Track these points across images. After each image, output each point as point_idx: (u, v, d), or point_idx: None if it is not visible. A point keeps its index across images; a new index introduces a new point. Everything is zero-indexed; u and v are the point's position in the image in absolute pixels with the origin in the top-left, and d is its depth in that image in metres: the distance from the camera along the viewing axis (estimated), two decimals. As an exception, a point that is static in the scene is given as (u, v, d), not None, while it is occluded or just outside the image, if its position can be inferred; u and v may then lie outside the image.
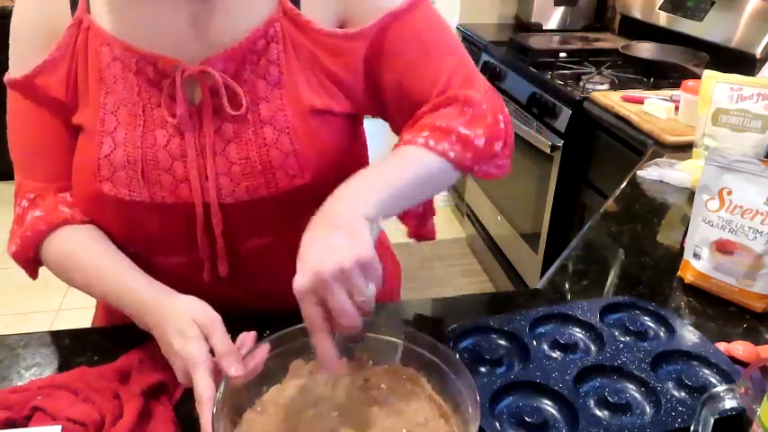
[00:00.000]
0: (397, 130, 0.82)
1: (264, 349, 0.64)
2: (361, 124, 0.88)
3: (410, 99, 0.79)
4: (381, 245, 0.99)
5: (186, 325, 0.64)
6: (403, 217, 0.82)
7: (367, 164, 0.89)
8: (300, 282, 0.57)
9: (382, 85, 0.79)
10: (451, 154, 0.73)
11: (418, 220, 0.84)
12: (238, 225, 0.78)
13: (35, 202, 0.79)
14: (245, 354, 0.64)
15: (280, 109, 0.74)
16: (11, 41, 0.77)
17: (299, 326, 0.65)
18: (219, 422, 0.58)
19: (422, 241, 0.86)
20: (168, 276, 0.74)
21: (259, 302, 0.83)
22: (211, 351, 0.63)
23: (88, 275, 0.76)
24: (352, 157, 0.83)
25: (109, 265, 0.75)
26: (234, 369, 0.61)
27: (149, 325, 0.69)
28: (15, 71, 0.77)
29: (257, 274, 0.83)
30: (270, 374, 0.66)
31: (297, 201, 0.76)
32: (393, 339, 0.68)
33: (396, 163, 0.72)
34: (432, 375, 0.67)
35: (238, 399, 0.63)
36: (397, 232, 0.88)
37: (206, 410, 0.59)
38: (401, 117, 0.81)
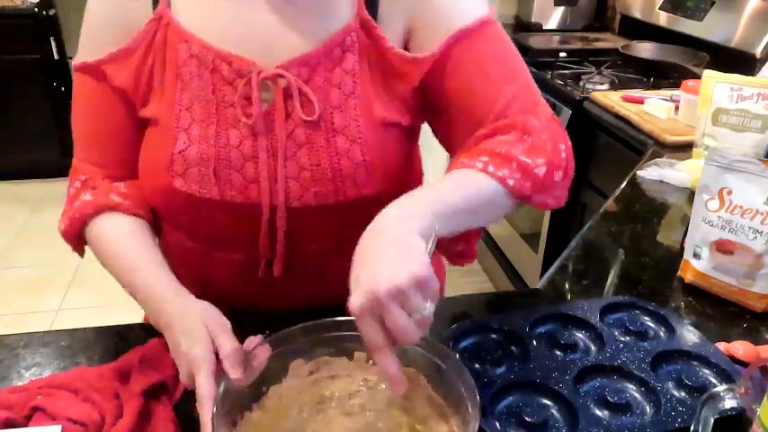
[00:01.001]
0: (449, 147, 0.82)
1: (266, 350, 0.65)
2: (417, 141, 0.88)
3: (467, 118, 0.78)
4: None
5: (195, 327, 0.66)
6: (451, 240, 0.79)
7: (421, 180, 0.89)
8: (356, 302, 0.56)
9: (441, 102, 0.79)
10: (510, 181, 0.71)
11: (465, 244, 0.81)
12: (301, 229, 0.78)
13: (86, 185, 0.81)
14: (246, 354, 0.64)
15: (353, 119, 0.75)
16: (83, 28, 0.79)
17: (300, 326, 0.66)
18: (219, 421, 0.58)
19: (462, 265, 0.83)
20: (223, 271, 0.77)
21: (305, 305, 0.82)
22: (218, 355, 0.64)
23: (120, 266, 0.78)
24: (411, 172, 0.84)
25: (140, 261, 0.77)
26: (234, 372, 0.62)
27: (162, 326, 0.71)
28: (85, 56, 0.78)
29: (309, 277, 0.84)
30: (270, 374, 0.66)
31: (361, 209, 0.74)
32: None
33: (453, 183, 0.71)
34: (432, 375, 0.67)
35: (239, 398, 0.63)
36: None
37: (206, 410, 0.60)
38: (457, 138, 0.80)
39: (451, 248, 0.81)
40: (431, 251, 0.61)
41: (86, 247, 0.86)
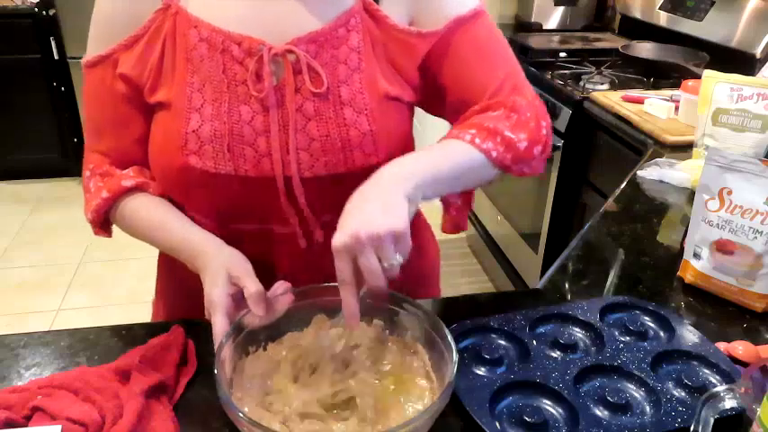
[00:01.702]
0: (449, 120, 0.90)
1: (288, 297, 0.73)
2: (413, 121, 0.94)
3: (463, 99, 0.85)
4: (425, 226, 1.09)
5: (218, 273, 0.74)
6: (447, 208, 0.90)
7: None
8: (339, 239, 0.64)
9: (440, 82, 0.86)
10: (494, 153, 0.79)
11: (459, 212, 0.91)
12: (313, 200, 0.83)
13: (94, 172, 0.87)
14: (271, 297, 0.73)
15: (359, 92, 0.81)
16: (92, 24, 0.83)
17: (329, 284, 0.73)
18: (227, 343, 0.67)
19: (455, 233, 0.93)
20: (236, 246, 0.80)
21: (318, 274, 0.87)
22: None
23: (154, 231, 0.85)
24: (409, 146, 0.90)
25: (171, 221, 0.84)
26: (257, 309, 0.70)
27: (198, 268, 0.78)
28: (96, 51, 0.82)
29: (325, 247, 0.87)
30: (293, 322, 0.75)
31: (367, 178, 0.80)
32: (408, 315, 0.73)
33: (441, 151, 0.78)
34: (433, 352, 0.71)
35: (255, 334, 0.72)
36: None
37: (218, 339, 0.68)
38: (452, 114, 0.88)
39: (450, 218, 0.91)
40: (413, 212, 0.69)
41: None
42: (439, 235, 0.89)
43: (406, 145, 0.88)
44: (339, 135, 0.79)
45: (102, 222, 0.89)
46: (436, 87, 0.86)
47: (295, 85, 0.78)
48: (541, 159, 0.85)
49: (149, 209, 0.85)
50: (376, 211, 0.65)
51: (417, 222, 1.05)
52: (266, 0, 0.79)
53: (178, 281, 0.94)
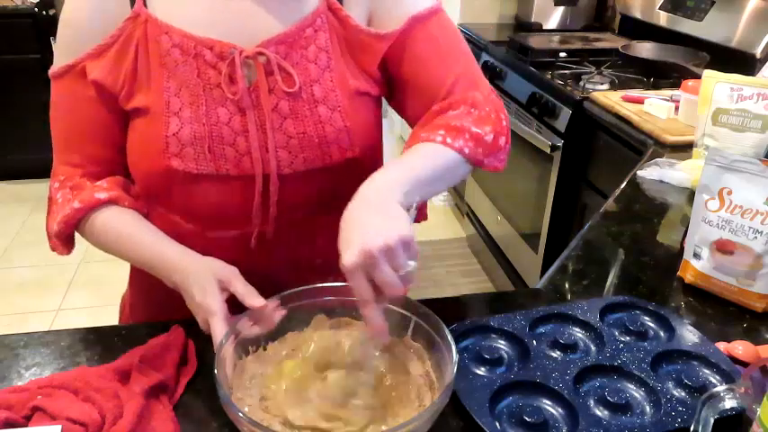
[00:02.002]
0: (407, 118, 0.92)
1: (279, 312, 0.74)
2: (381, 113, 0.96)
3: (421, 95, 0.87)
4: None
5: (206, 280, 0.75)
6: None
7: (382, 149, 0.97)
8: (350, 259, 0.62)
9: (400, 80, 0.88)
10: (466, 150, 0.81)
11: (422, 204, 0.90)
12: (291, 196, 0.85)
13: (64, 184, 0.87)
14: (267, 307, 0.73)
15: (331, 90, 0.83)
16: (59, 34, 0.83)
17: (330, 284, 0.75)
18: (229, 341, 0.68)
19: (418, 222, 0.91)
20: (216, 249, 0.82)
21: (295, 272, 0.89)
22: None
23: (125, 244, 0.85)
24: (380, 138, 0.93)
25: (143, 235, 0.85)
26: (256, 302, 0.71)
27: (177, 283, 0.78)
28: (63, 60, 0.82)
29: (299, 242, 0.90)
30: (293, 323, 0.75)
31: (345, 172, 0.84)
32: (407, 314, 0.74)
33: (418, 156, 0.79)
34: (433, 352, 0.71)
35: (254, 337, 0.73)
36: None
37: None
38: (411, 108, 0.90)
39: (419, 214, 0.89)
40: (412, 218, 0.69)
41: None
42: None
43: (376, 137, 0.91)
44: (316, 132, 0.82)
45: (68, 236, 0.87)
46: (396, 84, 0.89)
47: (268, 85, 0.80)
48: (506, 151, 0.88)
49: (121, 223, 0.85)
50: (378, 222, 0.65)
51: None
52: (232, 3, 0.80)
53: (147, 292, 0.97)
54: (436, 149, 0.79)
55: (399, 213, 0.67)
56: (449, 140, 0.80)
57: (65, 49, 0.83)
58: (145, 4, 0.81)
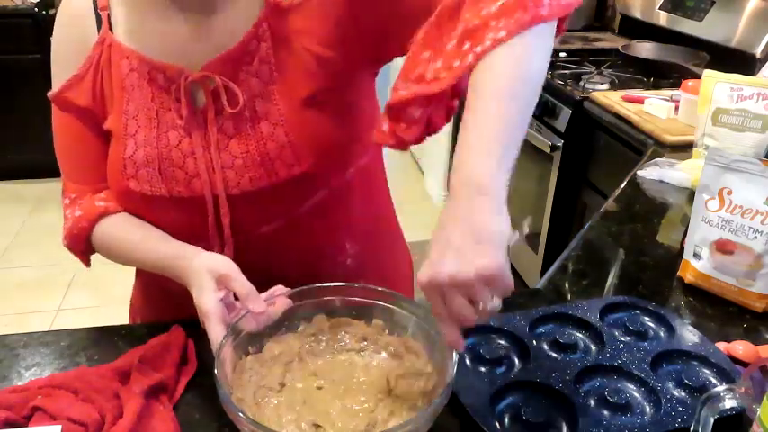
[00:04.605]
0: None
1: (285, 301, 0.73)
2: (366, 99, 0.87)
3: (415, 15, 0.70)
4: (398, 234, 1.06)
5: (203, 279, 0.72)
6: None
7: (360, 148, 0.87)
8: (422, 279, 0.57)
9: (377, 25, 0.76)
10: (543, 11, 0.59)
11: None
12: (247, 214, 0.83)
13: (75, 201, 0.88)
14: (268, 300, 0.72)
15: (274, 104, 0.79)
16: (52, 61, 0.86)
17: (331, 284, 0.75)
18: (227, 346, 0.67)
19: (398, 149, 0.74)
20: None
21: (273, 283, 0.84)
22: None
23: (130, 251, 0.86)
24: (352, 139, 0.84)
25: (144, 239, 0.84)
26: (256, 306, 0.70)
27: (184, 283, 0.77)
28: (54, 85, 0.85)
29: (269, 258, 0.88)
30: (294, 322, 0.75)
31: (298, 187, 0.81)
32: (407, 314, 0.73)
33: (493, 96, 0.60)
34: (433, 352, 0.70)
35: (254, 335, 0.72)
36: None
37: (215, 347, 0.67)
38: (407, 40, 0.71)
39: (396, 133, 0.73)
40: (513, 241, 0.57)
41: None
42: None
43: (345, 142, 0.83)
44: (258, 150, 0.79)
45: (84, 249, 0.89)
46: (376, 33, 0.76)
47: (215, 107, 0.79)
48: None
49: (123, 231, 0.86)
50: (461, 246, 0.55)
51: (388, 228, 1.04)
52: (182, 26, 0.79)
53: (150, 294, 0.97)
54: (506, 52, 0.59)
55: (493, 231, 0.55)
56: (517, 16, 0.58)
57: (55, 76, 0.85)
58: (111, 30, 0.82)
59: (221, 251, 0.84)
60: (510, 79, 0.60)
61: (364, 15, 0.76)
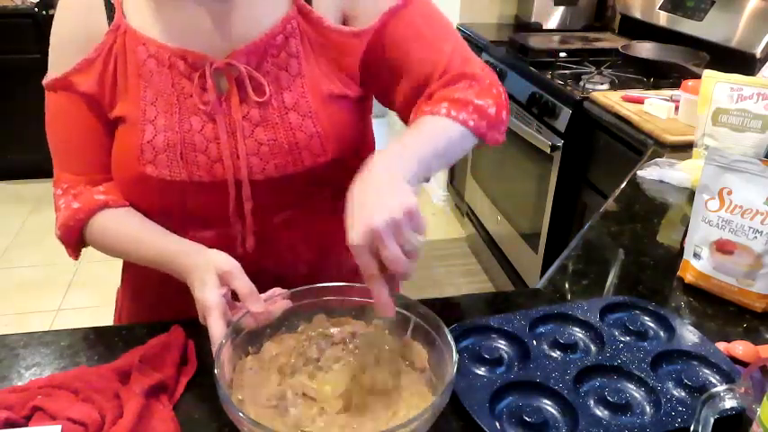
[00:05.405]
0: (398, 107, 0.90)
1: (284, 302, 0.73)
2: (370, 112, 0.96)
3: (415, 82, 0.86)
4: None
5: (206, 275, 0.73)
6: None
7: (374, 147, 0.96)
8: (355, 237, 0.62)
9: (384, 67, 0.87)
10: (471, 123, 0.81)
11: None
12: (267, 201, 0.86)
13: (67, 191, 0.87)
14: (267, 300, 0.72)
15: (302, 96, 0.83)
16: (50, 49, 0.85)
17: (331, 284, 0.75)
18: (226, 347, 0.66)
19: None
20: None
21: (283, 272, 0.89)
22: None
23: (128, 245, 0.86)
24: (364, 139, 0.92)
25: (144, 233, 0.85)
26: (256, 306, 0.70)
27: (184, 278, 0.77)
28: (53, 73, 0.84)
29: (282, 245, 0.90)
30: (294, 322, 0.75)
31: (319, 175, 0.85)
32: (407, 314, 0.73)
33: (423, 132, 0.79)
34: (433, 352, 0.70)
35: (254, 335, 0.72)
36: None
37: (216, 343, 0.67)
38: (402, 94, 0.88)
39: None
40: (418, 193, 0.68)
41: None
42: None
43: (360, 139, 0.90)
44: (286, 139, 0.82)
45: (76, 241, 0.88)
46: (382, 75, 0.87)
47: (239, 95, 0.81)
48: (506, 123, 0.88)
49: (122, 224, 0.86)
50: (383, 196, 0.64)
51: None
52: (204, 14, 0.81)
53: (139, 290, 0.98)
54: (440, 123, 0.79)
55: (403, 187, 0.66)
56: (453, 113, 0.80)
57: (54, 62, 0.85)
58: (124, 16, 0.82)
59: (243, 235, 0.87)
60: (440, 135, 0.79)
61: (373, 57, 0.85)
